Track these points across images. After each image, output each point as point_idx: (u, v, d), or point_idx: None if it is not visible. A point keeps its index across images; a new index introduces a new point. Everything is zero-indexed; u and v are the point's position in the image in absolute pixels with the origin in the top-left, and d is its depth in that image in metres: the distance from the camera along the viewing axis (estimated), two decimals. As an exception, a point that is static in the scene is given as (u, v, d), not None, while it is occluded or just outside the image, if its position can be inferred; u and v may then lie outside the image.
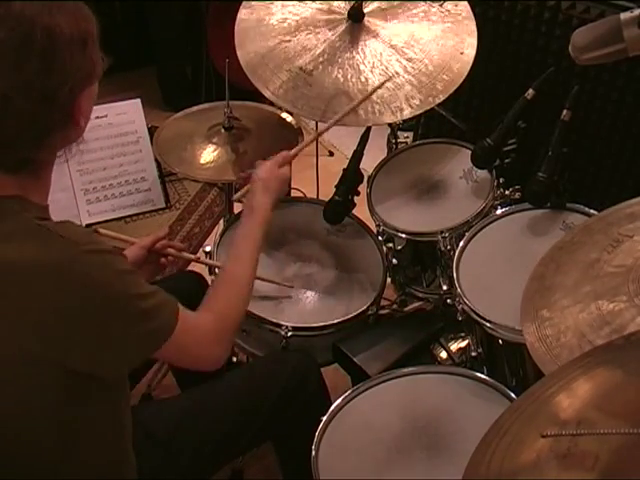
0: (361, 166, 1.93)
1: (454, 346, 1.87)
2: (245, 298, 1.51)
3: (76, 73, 1.16)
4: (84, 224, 2.03)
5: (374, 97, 1.89)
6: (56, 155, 1.24)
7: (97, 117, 2.03)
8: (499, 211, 1.88)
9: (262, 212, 1.64)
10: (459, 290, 1.70)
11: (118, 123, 2.11)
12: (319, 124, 2.03)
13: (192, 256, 1.88)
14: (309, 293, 1.88)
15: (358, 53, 1.96)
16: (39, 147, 1.18)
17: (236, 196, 1.82)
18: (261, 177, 1.70)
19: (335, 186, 1.93)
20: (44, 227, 1.16)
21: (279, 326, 1.76)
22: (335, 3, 2.05)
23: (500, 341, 1.66)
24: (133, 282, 1.22)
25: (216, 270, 1.86)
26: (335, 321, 1.79)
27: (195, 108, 2.24)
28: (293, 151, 1.79)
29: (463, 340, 1.87)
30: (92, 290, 1.15)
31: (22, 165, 1.18)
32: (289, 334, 1.75)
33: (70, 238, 1.16)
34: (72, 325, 1.14)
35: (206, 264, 1.89)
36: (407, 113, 1.89)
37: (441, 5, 2.00)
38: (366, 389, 1.58)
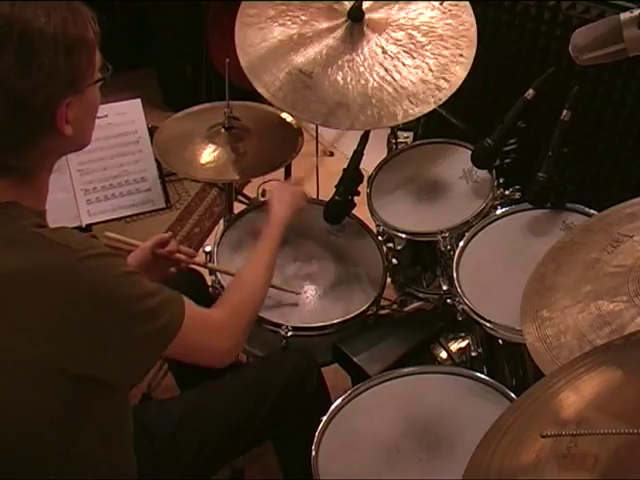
0: (361, 166, 1.93)
1: (454, 346, 1.87)
2: (257, 301, 1.54)
3: (56, 79, 1.12)
4: (84, 224, 2.03)
5: (373, 100, 1.89)
6: (50, 163, 1.22)
7: (97, 117, 2.02)
8: (499, 211, 1.88)
9: (278, 220, 1.72)
10: (459, 290, 1.70)
11: (118, 123, 2.11)
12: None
13: (201, 262, 1.86)
14: (309, 293, 1.88)
15: (358, 55, 1.96)
16: (19, 154, 1.15)
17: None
18: (277, 190, 1.83)
19: (335, 186, 1.93)
20: (40, 235, 1.14)
21: (279, 326, 1.76)
22: (335, 3, 2.05)
23: (500, 341, 1.66)
24: (135, 282, 1.20)
25: (217, 272, 1.87)
26: (335, 321, 1.79)
27: (195, 108, 2.24)
28: (302, 174, 1.88)
29: (463, 340, 1.87)
30: (95, 295, 1.13)
31: (7, 170, 1.16)
32: (289, 334, 1.75)
33: (67, 245, 1.14)
34: (78, 332, 1.13)
35: (216, 270, 1.88)
36: (410, 114, 1.89)
37: (441, 4, 2.00)
38: (366, 389, 1.58)
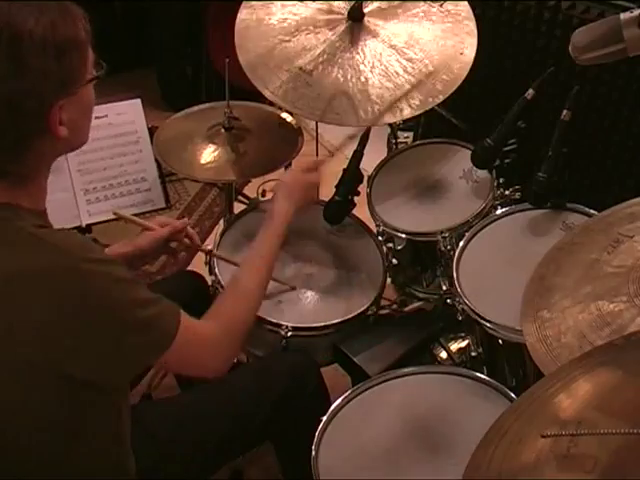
0: (361, 166, 1.93)
1: (454, 346, 1.87)
2: (253, 308, 1.49)
3: (48, 81, 1.10)
4: (84, 224, 2.03)
5: (373, 97, 1.89)
6: (46, 165, 1.21)
7: (97, 117, 2.03)
8: (499, 211, 1.88)
9: (281, 218, 1.64)
10: (459, 290, 1.70)
11: (118, 123, 2.11)
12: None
13: (205, 249, 1.87)
14: (309, 293, 1.88)
15: (358, 53, 1.96)
16: (15, 158, 1.14)
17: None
18: (285, 182, 1.73)
19: (335, 186, 1.93)
20: (36, 236, 1.13)
21: (279, 326, 1.76)
22: (335, 3, 2.05)
23: (500, 341, 1.66)
24: (131, 290, 1.19)
25: (216, 271, 1.86)
26: (335, 321, 1.79)
27: (195, 108, 2.24)
28: (321, 158, 1.78)
29: (463, 340, 1.87)
30: (89, 299, 1.13)
31: (2, 174, 1.15)
32: (289, 334, 1.75)
33: (63, 247, 1.13)
34: (69, 334, 1.13)
35: (221, 259, 1.88)
36: (407, 113, 1.88)
37: (441, 5, 2.00)
38: (366, 389, 1.58)
